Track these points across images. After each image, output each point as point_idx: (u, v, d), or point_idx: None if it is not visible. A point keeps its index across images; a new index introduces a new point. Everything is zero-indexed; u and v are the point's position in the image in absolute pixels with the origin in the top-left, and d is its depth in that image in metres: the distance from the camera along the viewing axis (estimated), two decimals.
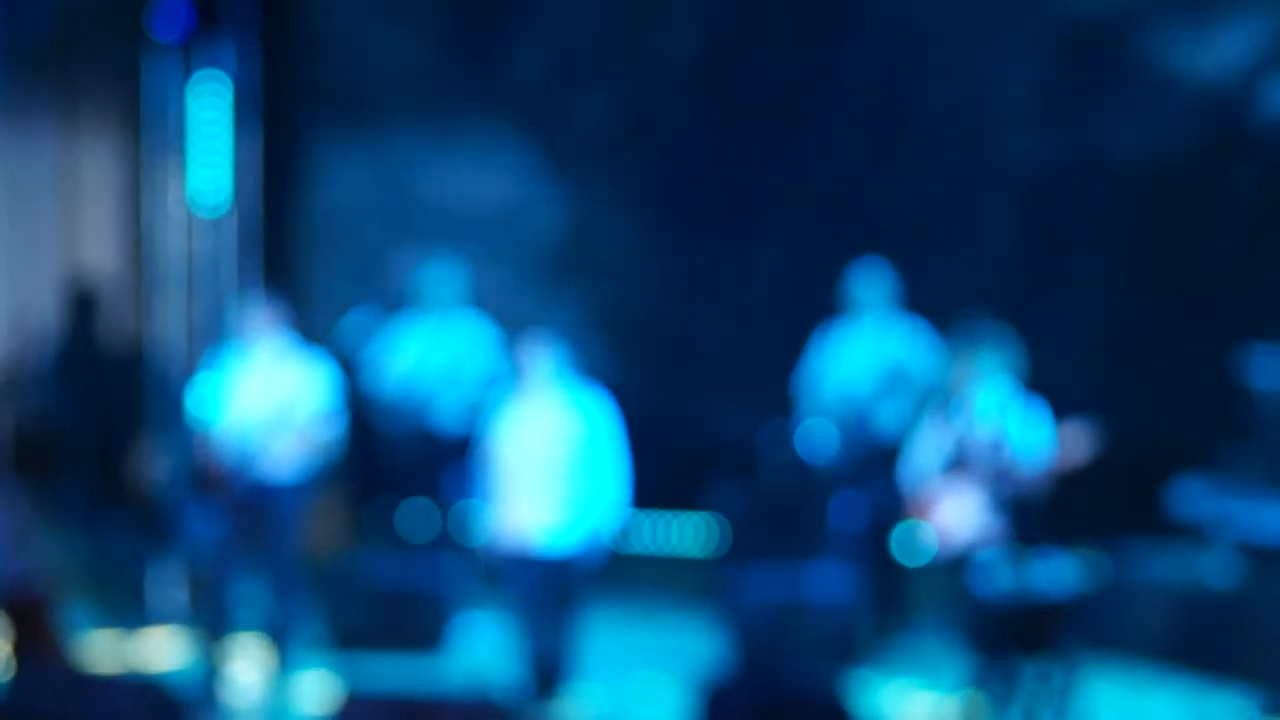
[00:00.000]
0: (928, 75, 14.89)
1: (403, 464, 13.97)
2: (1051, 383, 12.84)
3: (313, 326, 16.40)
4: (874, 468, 12.71)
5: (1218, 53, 14.31)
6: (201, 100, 14.73)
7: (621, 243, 15.80)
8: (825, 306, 13.25)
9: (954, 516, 11.37)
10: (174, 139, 14.93)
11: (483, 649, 11.48)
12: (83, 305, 17.66)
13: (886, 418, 12.90)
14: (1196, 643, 12.12)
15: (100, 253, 17.44)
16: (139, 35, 16.37)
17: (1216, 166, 14.33)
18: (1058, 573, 10.97)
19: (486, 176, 16.05)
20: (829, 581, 12.39)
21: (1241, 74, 14.25)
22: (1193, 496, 11.93)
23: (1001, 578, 10.92)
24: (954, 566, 11.72)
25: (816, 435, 13.13)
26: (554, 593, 11.04)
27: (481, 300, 14.73)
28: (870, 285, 13.04)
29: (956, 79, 14.87)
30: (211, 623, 11.80)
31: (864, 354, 13.10)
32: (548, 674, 11.20)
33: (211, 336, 14.78)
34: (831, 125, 15.11)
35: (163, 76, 14.77)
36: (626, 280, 15.83)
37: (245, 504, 11.67)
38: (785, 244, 15.08)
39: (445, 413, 13.84)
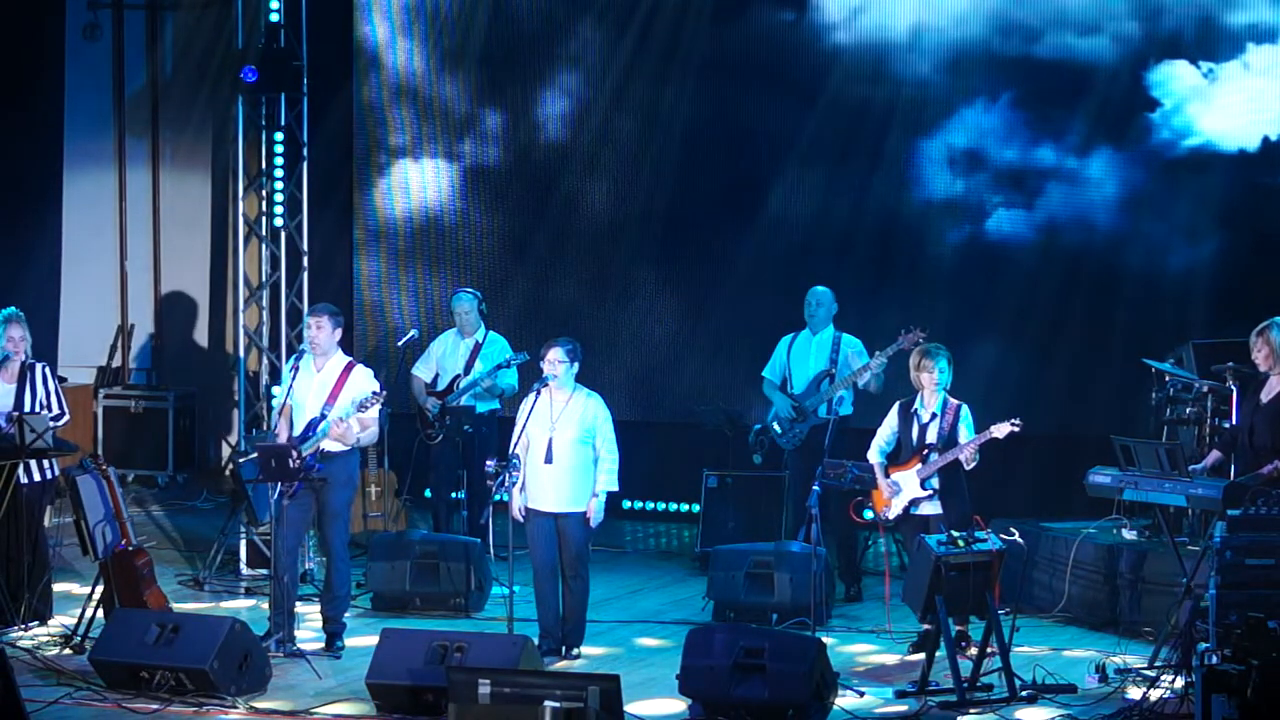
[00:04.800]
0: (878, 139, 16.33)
1: (444, 449, 14.86)
2: (990, 390, 14.36)
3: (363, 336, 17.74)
4: (816, 451, 13.73)
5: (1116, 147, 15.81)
6: (269, 145, 15.93)
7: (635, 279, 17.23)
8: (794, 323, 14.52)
9: (904, 493, 12.58)
10: (247, 178, 16.08)
11: (512, 613, 11.87)
12: (175, 315, 18.97)
13: (821, 410, 14.05)
14: (1106, 600, 13.25)
15: (190, 270, 19.00)
16: (217, 95, 18.04)
17: (1127, 226, 15.84)
18: (995, 542, 11.49)
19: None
20: (796, 550, 13.33)
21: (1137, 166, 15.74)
22: (1103, 482, 12.59)
23: (946, 546, 11.47)
24: (904, 537, 12.94)
25: (779, 427, 14.38)
26: (567, 551, 12.39)
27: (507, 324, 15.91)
28: (816, 306, 14.33)
29: (907, 147, 16.29)
30: (278, 587, 12.35)
31: (807, 360, 14.33)
32: (564, 627, 12.48)
33: (281, 342, 15.84)
34: (803, 186, 16.61)
35: (238, 127, 15.92)
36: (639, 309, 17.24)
37: (304, 485, 12.25)
38: (764, 275, 16.52)
39: (480, 408, 14.89)
